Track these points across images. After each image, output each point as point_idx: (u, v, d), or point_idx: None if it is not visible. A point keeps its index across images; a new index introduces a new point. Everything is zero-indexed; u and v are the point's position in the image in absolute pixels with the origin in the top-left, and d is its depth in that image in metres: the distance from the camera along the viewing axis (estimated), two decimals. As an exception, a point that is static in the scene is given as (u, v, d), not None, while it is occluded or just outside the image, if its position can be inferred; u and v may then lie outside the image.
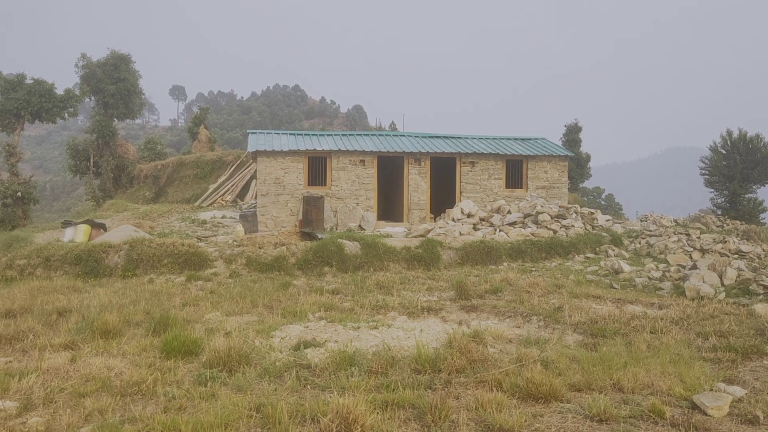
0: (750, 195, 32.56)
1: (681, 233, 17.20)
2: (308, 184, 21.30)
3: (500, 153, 22.48)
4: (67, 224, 18.72)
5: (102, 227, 18.17)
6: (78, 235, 16.86)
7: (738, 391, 5.33)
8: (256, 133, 23.76)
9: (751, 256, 14.61)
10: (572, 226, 18.06)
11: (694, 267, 12.46)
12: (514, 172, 22.91)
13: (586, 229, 18.32)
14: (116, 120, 39.50)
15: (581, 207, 20.91)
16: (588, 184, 50.79)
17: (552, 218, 18.40)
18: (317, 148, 21.35)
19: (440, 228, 18.08)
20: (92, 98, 38.11)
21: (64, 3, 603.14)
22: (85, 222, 18.20)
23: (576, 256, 15.88)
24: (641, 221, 21.37)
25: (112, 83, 37.14)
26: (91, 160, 37.66)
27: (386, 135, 25.24)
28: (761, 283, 10.57)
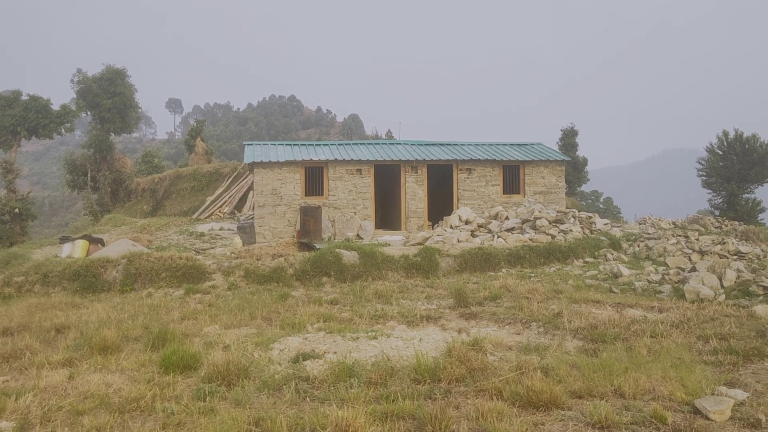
0: (748, 195, 32.62)
1: (679, 235, 17.18)
2: (305, 195, 21.31)
3: (497, 159, 22.52)
4: (64, 240, 18.73)
5: (100, 242, 18.14)
6: (76, 250, 16.83)
7: (740, 394, 5.29)
8: (252, 144, 23.80)
9: (750, 257, 14.58)
10: (570, 230, 18.04)
11: (694, 269, 12.44)
12: (512, 178, 22.93)
13: (584, 233, 18.31)
14: (113, 134, 39.54)
15: (579, 211, 20.89)
16: (585, 187, 50.94)
17: (550, 223, 18.39)
18: (314, 158, 21.38)
19: (438, 235, 18.06)
20: (89, 113, 38.18)
21: (54, 21, 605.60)
22: (83, 237, 18.18)
23: (575, 261, 15.86)
24: (639, 224, 21.35)
25: (108, 98, 37.21)
26: (89, 175, 37.68)
27: (382, 144, 25.29)
28: (761, 284, 10.55)
